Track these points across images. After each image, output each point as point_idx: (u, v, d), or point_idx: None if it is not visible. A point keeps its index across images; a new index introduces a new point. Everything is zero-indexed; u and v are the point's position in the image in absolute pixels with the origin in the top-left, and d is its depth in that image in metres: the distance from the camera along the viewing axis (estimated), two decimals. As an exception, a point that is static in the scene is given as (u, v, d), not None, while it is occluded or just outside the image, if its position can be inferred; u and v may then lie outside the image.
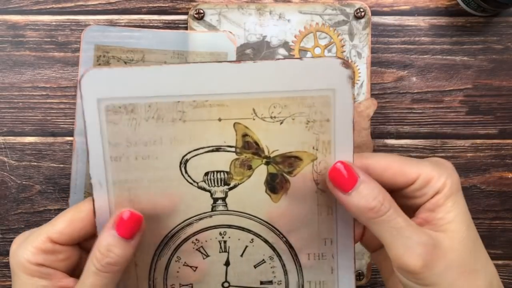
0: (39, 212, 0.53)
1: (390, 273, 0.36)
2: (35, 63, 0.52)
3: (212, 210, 0.34)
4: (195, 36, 0.51)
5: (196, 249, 0.35)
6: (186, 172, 0.33)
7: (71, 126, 0.52)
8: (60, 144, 0.53)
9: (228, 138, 0.33)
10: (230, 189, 0.34)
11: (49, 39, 0.52)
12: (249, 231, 0.35)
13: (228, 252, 0.35)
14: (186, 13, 0.52)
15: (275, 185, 0.34)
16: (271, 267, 0.36)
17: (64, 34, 0.52)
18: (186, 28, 0.52)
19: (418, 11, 0.52)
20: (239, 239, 0.35)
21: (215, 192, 0.34)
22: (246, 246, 0.35)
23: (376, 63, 0.52)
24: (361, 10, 0.51)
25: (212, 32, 0.51)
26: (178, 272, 0.35)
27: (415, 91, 0.53)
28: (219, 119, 0.32)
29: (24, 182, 0.53)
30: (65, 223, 0.32)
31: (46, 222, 0.33)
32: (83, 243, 0.34)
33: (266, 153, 0.33)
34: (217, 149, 0.33)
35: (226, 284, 0.36)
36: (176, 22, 0.52)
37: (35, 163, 0.53)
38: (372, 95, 0.52)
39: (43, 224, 0.33)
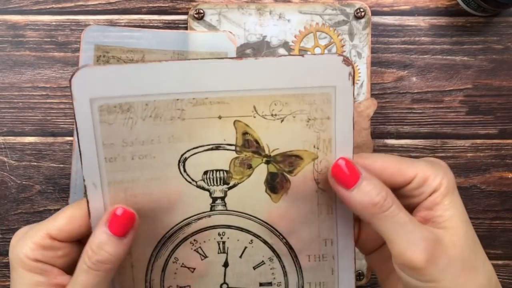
0: (39, 212, 0.53)
1: (387, 275, 0.36)
2: (35, 63, 0.52)
3: (211, 210, 0.34)
4: (195, 36, 0.50)
5: (194, 250, 0.35)
6: (184, 170, 0.33)
7: (71, 126, 0.52)
8: (60, 144, 0.52)
9: (228, 136, 0.32)
10: (230, 188, 0.33)
11: (49, 39, 0.52)
12: (248, 231, 0.35)
13: (227, 253, 0.35)
14: (186, 13, 0.52)
15: (275, 185, 0.34)
16: (271, 269, 0.35)
17: (64, 34, 0.52)
18: (186, 28, 0.52)
19: (418, 11, 0.52)
20: (238, 240, 0.35)
21: (214, 191, 0.33)
22: (245, 247, 0.35)
23: (376, 63, 0.52)
24: (361, 10, 0.51)
25: (212, 32, 0.51)
26: (175, 273, 0.35)
27: (415, 91, 0.53)
28: (219, 117, 0.32)
29: (24, 182, 0.53)
30: (65, 219, 0.32)
31: (46, 222, 0.33)
32: (83, 240, 0.34)
33: (267, 152, 0.33)
34: (217, 147, 0.33)
35: (224, 286, 0.36)
36: (176, 22, 0.52)
37: (35, 163, 0.53)
38: (372, 95, 0.52)
39: (43, 224, 0.33)
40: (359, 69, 0.51)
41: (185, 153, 0.32)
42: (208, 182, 0.33)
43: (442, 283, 0.30)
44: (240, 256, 0.35)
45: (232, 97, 0.32)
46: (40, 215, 0.53)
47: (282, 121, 0.32)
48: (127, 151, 0.32)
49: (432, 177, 0.32)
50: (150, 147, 0.32)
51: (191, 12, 0.51)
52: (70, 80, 0.30)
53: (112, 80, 0.30)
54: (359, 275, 0.52)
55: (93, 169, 0.32)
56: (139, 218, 0.32)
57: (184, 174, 0.33)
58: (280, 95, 0.32)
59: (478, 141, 0.53)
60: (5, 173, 0.53)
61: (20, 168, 0.53)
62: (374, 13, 0.52)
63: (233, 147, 0.33)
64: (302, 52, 0.51)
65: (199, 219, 0.34)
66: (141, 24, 0.52)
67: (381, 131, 0.53)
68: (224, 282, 0.35)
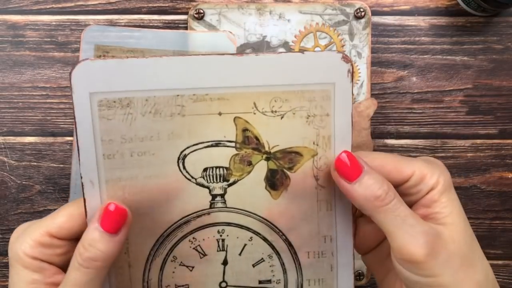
0: (39, 212, 0.53)
1: (385, 274, 0.36)
2: (35, 63, 0.52)
3: (210, 207, 0.34)
4: (195, 36, 0.51)
5: (193, 248, 0.35)
6: (184, 167, 0.33)
7: (71, 126, 0.52)
8: (60, 144, 0.52)
9: (228, 132, 0.32)
10: (229, 185, 0.33)
11: (49, 39, 0.52)
12: (248, 229, 0.34)
13: (226, 251, 0.35)
14: (186, 13, 0.52)
15: (275, 182, 0.34)
16: (270, 266, 0.35)
17: (64, 34, 0.52)
18: (186, 28, 0.52)
19: (418, 11, 0.52)
20: (237, 237, 0.35)
21: (214, 188, 0.33)
22: (245, 245, 0.35)
23: (376, 63, 0.52)
24: (361, 10, 0.51)
25: (212, 32, 0.51)
26: (174, 272, 0.35)
27: (415, 91, 0.53)
28: (220, 113, 0.32)
29: (24, 182, 0.53)
30: (65, 217, 0.32)
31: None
32: None
33: (267, 149, 0.33)
34: (217, 144, 0.33)
35: (223, 284, 0.35)
36: (176, 22, 0.52)
37: (35, 163, 0.53)
38: (372, 95, 0.52)
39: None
40: (359, 69, 0.51)
41: (184, 150, 0.32)
42: (208, 179, 0.33)
43: (441, 278, 0.30)
44: (240, 254, 0.35)
45: (233, 94, 0.32)
46: (40, 215, 0.53)
47: (282, 117, 0.32)
48: (126, 147, 0.32)
49: (429, 175, 0.32)
50: (149, 144, 0.32)
51: (191, 12, 0.51)
52: (70, 73, 0.30)
53: (113, 74, 0.30)
54: (359, 275, 0.52)
55: (91, 166, 0.31)
56: (132, 216, 0.32)
57: (184, 171, 0.33)
58: (280, 91, 0.32)
59: (478, 141, 0.53)
60: (5, 173, 0.52)
61: (20, 168, 0.53)
62: (374, 13, 0.52)
63: (233, 144, 0.33)
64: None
65: (198, 216, 0.34)
66: (141, 24, 0.52)
67: (381, 131, 0.53)
68: (223, 281, 0.35)
